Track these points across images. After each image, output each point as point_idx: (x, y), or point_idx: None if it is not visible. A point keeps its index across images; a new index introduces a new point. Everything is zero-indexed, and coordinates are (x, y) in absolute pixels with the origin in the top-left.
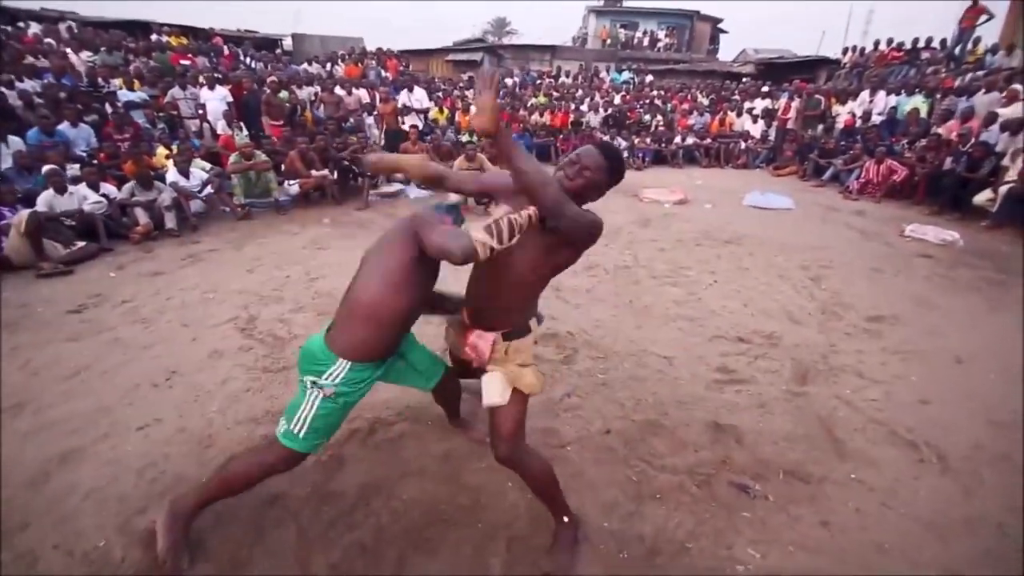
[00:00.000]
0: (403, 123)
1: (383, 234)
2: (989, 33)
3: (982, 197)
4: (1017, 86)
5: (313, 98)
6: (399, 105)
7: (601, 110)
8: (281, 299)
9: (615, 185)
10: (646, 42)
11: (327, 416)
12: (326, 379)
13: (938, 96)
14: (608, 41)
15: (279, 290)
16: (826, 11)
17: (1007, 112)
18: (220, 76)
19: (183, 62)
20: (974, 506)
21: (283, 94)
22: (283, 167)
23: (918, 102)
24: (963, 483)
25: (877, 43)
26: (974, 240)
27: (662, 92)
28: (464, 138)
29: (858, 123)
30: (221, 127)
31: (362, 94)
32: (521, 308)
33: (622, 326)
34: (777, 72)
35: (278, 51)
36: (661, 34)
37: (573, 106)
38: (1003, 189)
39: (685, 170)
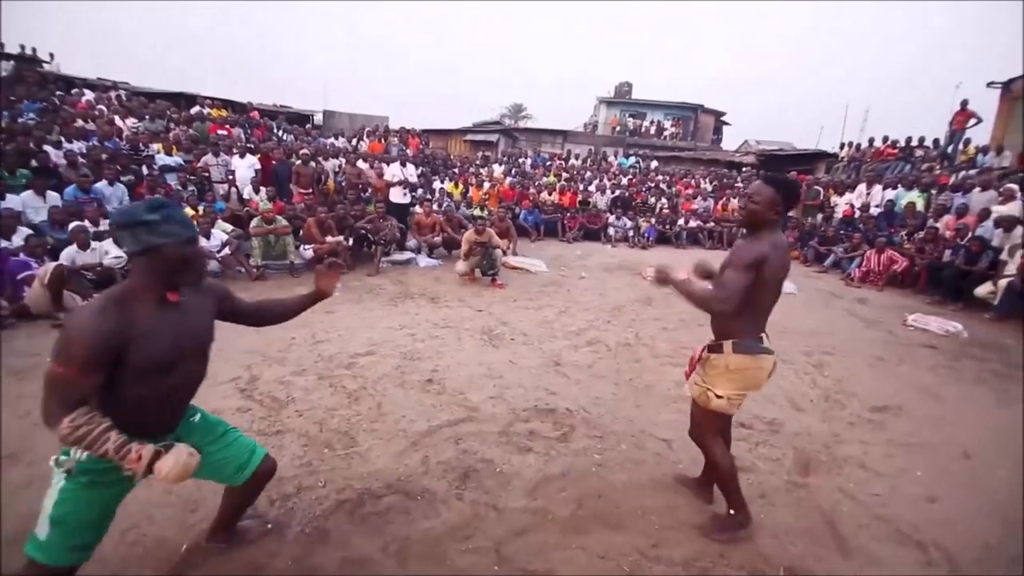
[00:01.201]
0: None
1: None
2: (981, 134)
3: (983, 290)
4: (1013, 186)
5: (337, 170)
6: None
7: (608, 191)
8: (284, 361)
9: (792, 207)
10: (653, 130)
11: (69, 503)
12: (71, 453)
13: (934, 192)
14: (618, 128)
15: (284, 352)
16: (824, 108)
17: (1004, 210)
18: (252, 146)
19: (219, 131)
20: None
21: (312, 165)
22: (301, 232)
23: (915, 196)
24: None
25: (872, 140)
26: (978, 332)
27: (667, 177)
28: (476, 212)
29: (857, 214)
30: (248, 192)
31: (387, 169)
32: (724, 322)
33: (622, 405)
34: (778, 163)
35: (308, 126)
36: (667, 124)
37: (581, 187)
38: (1003, 283)
39: (689, 251)
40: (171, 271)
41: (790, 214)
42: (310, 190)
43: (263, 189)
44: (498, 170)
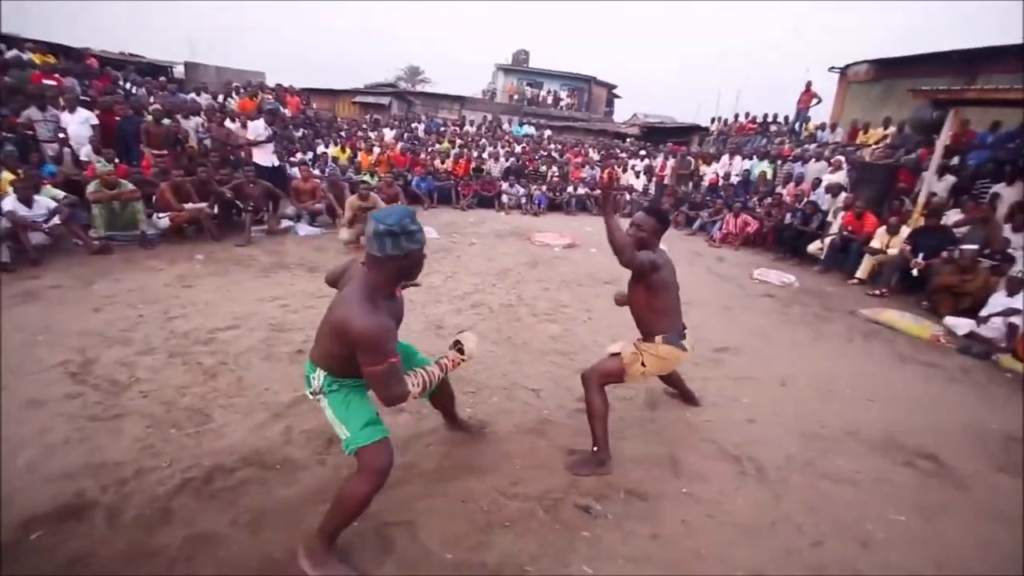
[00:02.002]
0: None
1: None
2: (823, 113)
3: (813, 247)
4: (840, 157)
5: (200, 129)
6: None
7: (502, 159)
8: (129, 340)
9: (664, 230)
10: (550, 100)
11: (339, 404)
12: (315, 385)
13: (780, 162)
14: (516, 97)
15: (129, 331)
16: (703, 86)
17: (832, 178)
18: (88, 99)
19: (47, 82)
20: (781, 509)
21: (165, 122)
22: (155, 199)
23: (765, 166)
24: (775, 489)
25: (737, 116)
26: (808, 282)
27: (559, 146)
28: (365, 178)
29: (721, 182)
30: (85, 153)
31: (252, 125)
32: (645, 327)
33: (499, 362)
34: (658, 135)
35: (162, 79)
36: (563, 94)
37: (476, 154)
38: (828, 240)
39: (577, 217)
40: (411, 271)
41: (666, 183)
42: (164, 151)
43: (107, 151)
44: (389, 135)
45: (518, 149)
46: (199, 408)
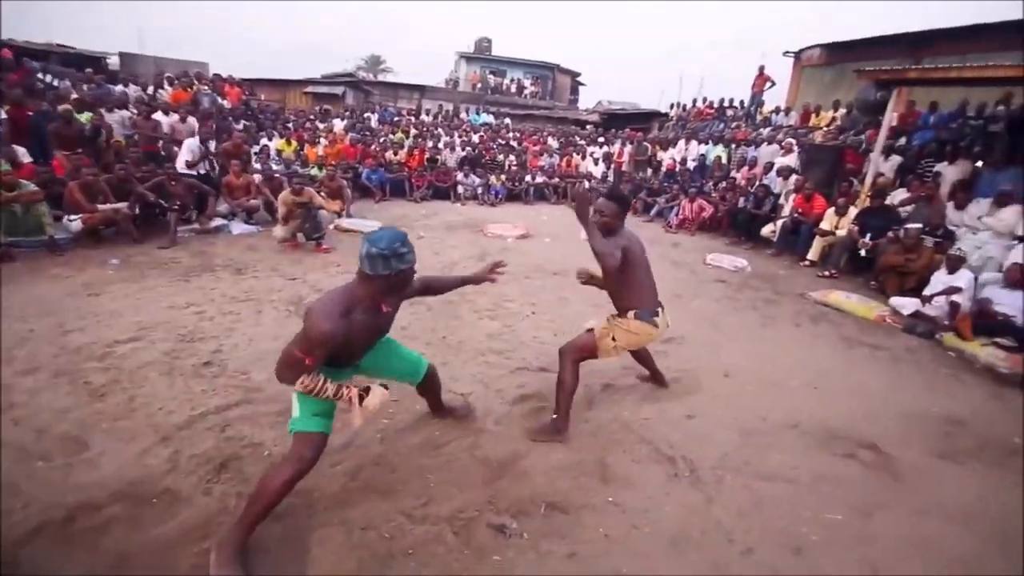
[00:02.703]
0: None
1: None
2: (778, 96)
3: (767, 230)
4: (791, 140)
5: (126, 123)
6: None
7: (459, 149)
8: (11, 360)
9: (627, 212)
10: (513, 88)
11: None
12: None
13: (734, 147)
14: (479, 85)
15: (13, 348)
16: (667, 74)
17: (784, 161)
18: None
19: None
20: (712, 515)
21: (85, 116)
22: (63, 200)
23: (720, 151)
24: (707, 492)
25: (695, 101)
26: (760, 266)
27: (518, 134)
28: (313, 172)
29: (677, 167)
30: None
31: (192, 122)
32: (618, 302)
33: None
34: (619, 121)
35: (88, 70)
36: (527, 82)
37: (431, 144)
38: (779, 223)
39: (535, 207)
40: (398, 288)
41: (623, 169)
42: (78, 150)
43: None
44: (339, 126)
45: (475, 138)
46: (76, 435)
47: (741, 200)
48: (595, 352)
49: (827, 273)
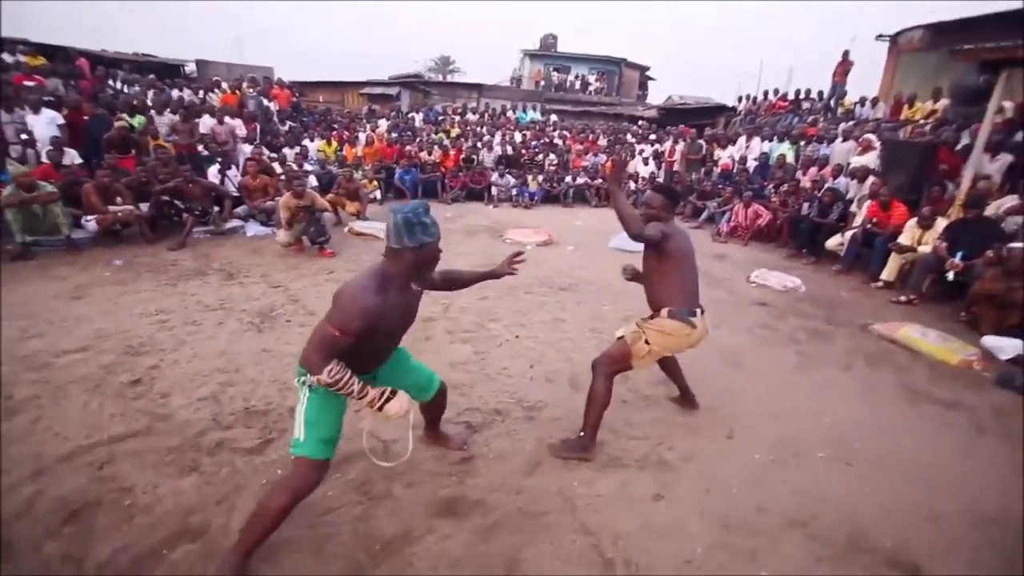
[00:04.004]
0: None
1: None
2: (870, 86)
3: (833, 242)
4: (871, 135)
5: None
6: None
7: (497, 148)
8: None
9: (678, 205)
10: (577, 85)
11: (315, 409)
12: (308, 378)
13: (803, 143)
14: (542, 83)
15: None
16: (747, 66)
17: (860, 160)
18: (52, 99)
19: (27, 83)
20: None
21: (138, 120)
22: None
23: (785, 149)
24: None
25: (766, 93)
26: (819, 286)
27: (565, 133)
28: (356, 173)
29: (735, 167)
30: (47, 153)
31: (236, 124)
32: (653, 297)
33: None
34: (681, 117)
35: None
36: (592, 78)
37: (470, 143)
38: (848, 234)
39: (574, 209)
40: (427, 264)
41: (675, 169)
42: (130, 152)
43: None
44: (383, 126)
45: (518, 137)
46: None
47: (805, 206)
48: (629, 361)
49: (903, 299)
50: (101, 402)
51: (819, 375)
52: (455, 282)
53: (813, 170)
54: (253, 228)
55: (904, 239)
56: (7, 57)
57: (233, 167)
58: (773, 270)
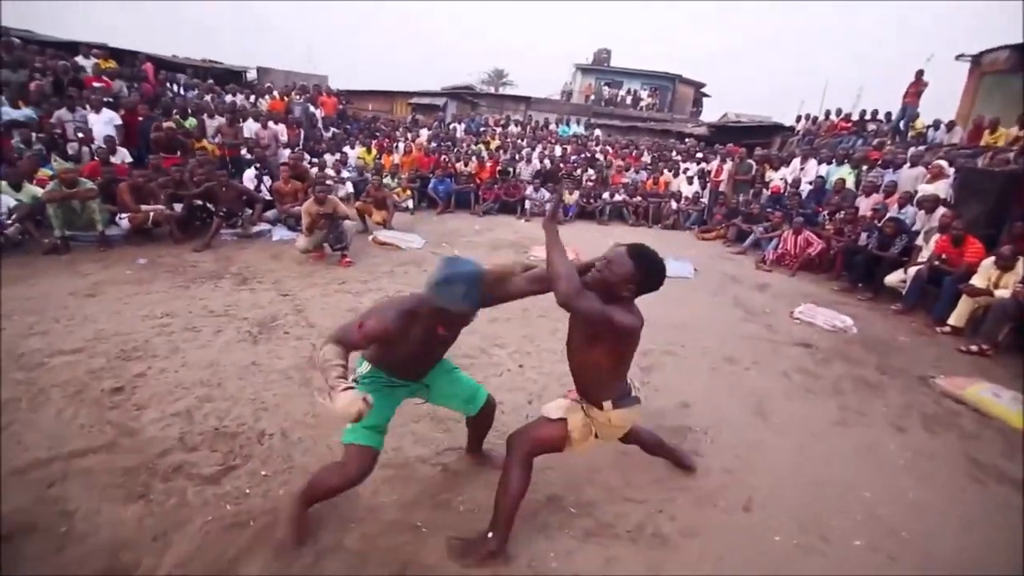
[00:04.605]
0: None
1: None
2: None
3: (894, 278)
4: (942, 162)
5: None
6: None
7: (536, 160)
8: None
9: (650, 288)
10: (629, 100)
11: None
12: (357, 371)
13: (865, 168)
14: (592, 97)
15: None
16: (810, 84)
17: (930, 189)
18: (111, 100)
19: (95, 84)
20: None
21: (190, 122)
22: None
23: (845, 172)
24: None
25: (828, 113)
26: (874, 326)
27: (608, 148)
28: (385, 179)
29: (787, 191)
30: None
31: (279, 129)
32: (588, 384)
33: (316, 444)
34: (732, 135)
35: (209, 81)
36: (644, 94)
37: (508, 156)
38: (912, 271)
39: (609, 227)
40: (457, 323)
41: (721, 190)
42: (176, 153)
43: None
44: (424, 135)
45: (558, 151)
46: None
47: (863, 236)
48: (561, 447)
49: (974, 348)
50: (76, 410)
51: (864, 436)
52: (548, 283)
53: (875, 197)
54: (280, 232)
55: (978, 280)
56: (82, 60)
57: (269, 171)
58: (822, 305)
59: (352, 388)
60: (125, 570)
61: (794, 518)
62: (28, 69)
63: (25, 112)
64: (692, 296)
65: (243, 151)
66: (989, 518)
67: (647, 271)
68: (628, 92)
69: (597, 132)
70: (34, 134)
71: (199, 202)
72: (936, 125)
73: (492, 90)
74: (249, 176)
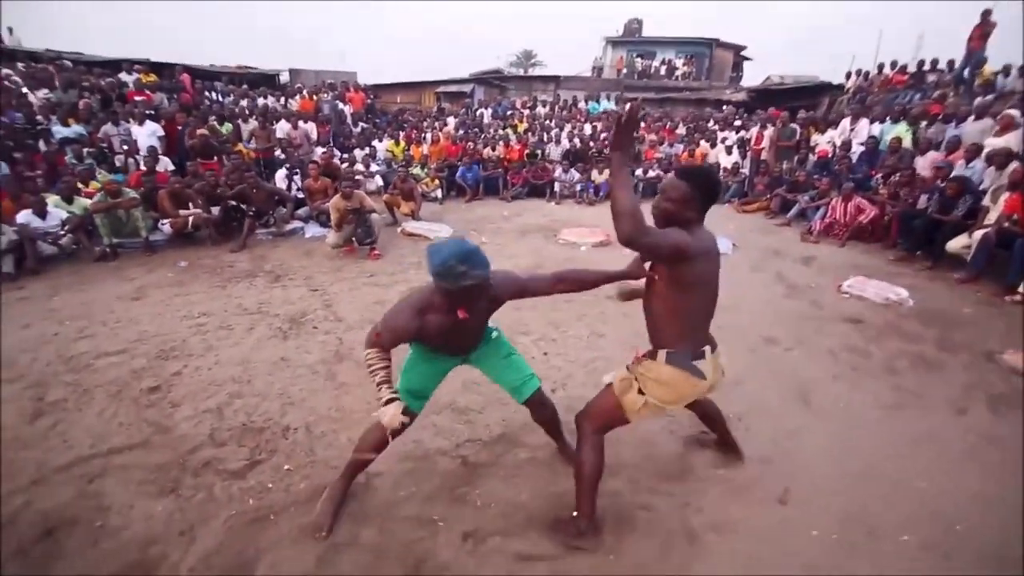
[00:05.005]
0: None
1: None
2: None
3: (957, 243)
4: (1013, 111)
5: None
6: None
7: (565, 140)
8: (12, 363)
9: (711, 199)
10: (663, 71)
11: (412, 361)
12: None
13: (924, 124)
14: (624, 71)
15: (26, 351)
16: (862, 34)
17: (999, 142)
18: (151, 112)
19: (137, 98)
20: None
21: (226, 127)
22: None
23: (901, 130)
24: None
25: (882, 67)
26: (934, 298)
27: (641, 123)
28: (414, 170)
29: (836, 154)
30: (144, 162)
31: (310, 128)
32: (652, 330)
33: (337, 437)
34: (775, 99)
35: (244, 86)
36: (679, 63)
37: (536, 137)
38: (978, 234)
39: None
40: (468, 300)
41: (763, 158)
42: (213, 158)
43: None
44: (452, 123)
45: (588, 129)
46: None
47: (923, 199)
48: (622, 414)
49: None
50: (116, 409)
51: (920, 420)
52: (576, 283)
53: (936, 155)
54: (312, 229)
55: None
56: (125, 76)
57: (301, 170)
58: (875, 277)
59: (395, 400)
60: (153, 563)
61: (836, 511)
62: (77, 88)
63: (76, 129)
64: (730, 273)
65: (277, 152)
66: None
67: (702, 183)
68: (662, 62)
69: (626, 106)
70: (85, 149)
71: (233, 204)
72: (1006, 71)
73: (521, 72)
74: (280, 176)
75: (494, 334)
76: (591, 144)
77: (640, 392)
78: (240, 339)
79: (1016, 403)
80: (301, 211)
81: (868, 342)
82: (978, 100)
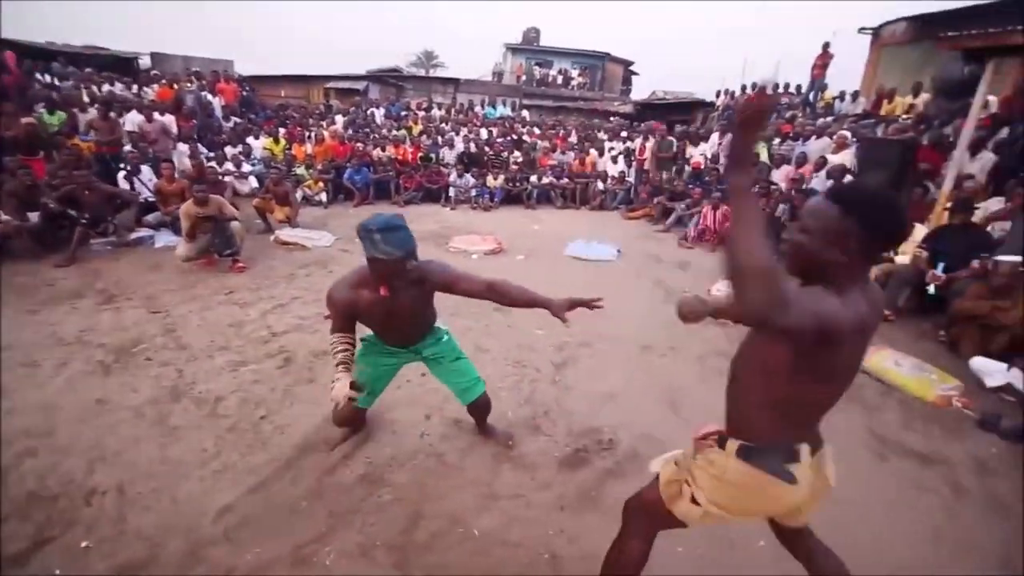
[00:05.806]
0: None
1: None
2: (851, 81)
3: None
4: (846, 132)
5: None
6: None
7: (459, 145)
8: None
9: (881, 247)
10: (560, 80)
11: (361, 355)
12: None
13: (777, 141)
14: (523, 78)
15: None
16: (731, 61)
17: (835, 159)
18: None
19: None
20: None
21: (57, 117)
22: None
23: (758, 146)
24: None
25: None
26: None
27: (535, 130)
28: (298, 171)
29: (707, 166)
30: None
31: (168, 121)
32: (736, 411)
33: (187, 478)
34: (657, 113)
35: (87, 70)
36: (574, 73)
37: (430, 140)
38: None
39: (536, 212)
40: (389, 275)
41: (645, 168)
42: (39, 153)
43: None
44: (340, 122)
45: (484, 134)
46: None
47: (780, 208)
48: (669, 516)
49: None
50: None
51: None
52: (504, 297)
53: (789, 168)
54: (164, 238)
55: None
56: None
57: (144, 168)
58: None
59: (343, 379)
60: None
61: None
62: None
63: None
64: (614, 279)
65: (127, 147)
66: (889, 494)
67: (867, 213)
68: (559, 72)
69: (525, 113)
70: None
71: (59, 209)
72: (842, 96)
73: (421, 73)
74: (121, 175)
75: (444, 337)
76: (487, 149)
77: (693, 500)
78: (47, 379)
79: (851, 396)
80: (151, 217)
81: (732, 343)
82: (820, 121)
